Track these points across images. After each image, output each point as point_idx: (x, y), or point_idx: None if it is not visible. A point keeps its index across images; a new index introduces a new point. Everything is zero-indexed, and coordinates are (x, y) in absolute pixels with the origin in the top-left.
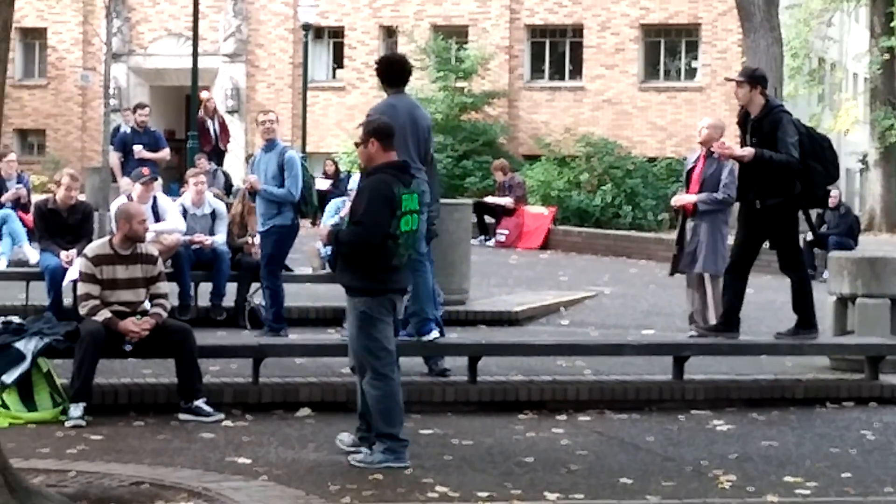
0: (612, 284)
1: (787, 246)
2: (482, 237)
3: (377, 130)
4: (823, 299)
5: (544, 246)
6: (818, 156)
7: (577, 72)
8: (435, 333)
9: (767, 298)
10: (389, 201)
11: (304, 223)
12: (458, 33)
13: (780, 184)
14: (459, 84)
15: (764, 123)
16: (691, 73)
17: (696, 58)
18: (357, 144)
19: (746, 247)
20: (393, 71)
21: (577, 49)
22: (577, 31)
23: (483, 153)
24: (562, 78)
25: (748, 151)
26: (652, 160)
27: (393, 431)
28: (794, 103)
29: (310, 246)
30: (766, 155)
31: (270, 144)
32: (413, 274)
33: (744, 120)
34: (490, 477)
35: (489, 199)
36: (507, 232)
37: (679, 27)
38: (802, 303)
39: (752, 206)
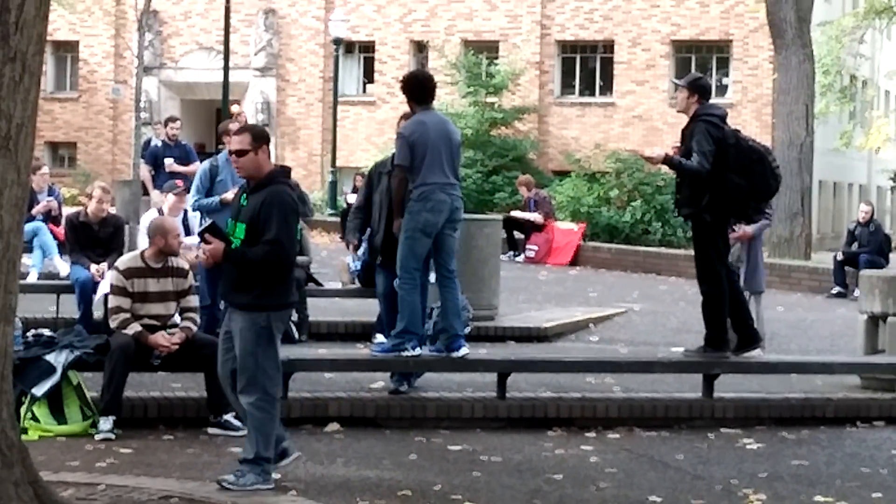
0: (642, 301)
1: (699, 256)
2: (511, 253)
3: (265, 136)
4: (854, 317)
5: (573, 262)
6: (744, 169)
7: (607, 88)
8: (465, 350)
9: (798, 317)
10: (296, 213)
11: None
12: (488, 48)
13: (692, 194)
14: (489, 99)
15: (688, 132)
16: (722, 89)
17: (727, 74)
18: (241, 153)
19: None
20: (421, 87)
21: (608, 65)
22: (608, 46)
23: (513, 168)
24: (592, 94)
25: (657, 153)
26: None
27: (269, 455)
28: (826, 120)
29: (339, 260)
30: (674, 160)
31: None
32: (442, 290)
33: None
34: (519, 493)
35: (518, 214)
36: (536, 248)
37: (710, 43)
38: (711, 319)
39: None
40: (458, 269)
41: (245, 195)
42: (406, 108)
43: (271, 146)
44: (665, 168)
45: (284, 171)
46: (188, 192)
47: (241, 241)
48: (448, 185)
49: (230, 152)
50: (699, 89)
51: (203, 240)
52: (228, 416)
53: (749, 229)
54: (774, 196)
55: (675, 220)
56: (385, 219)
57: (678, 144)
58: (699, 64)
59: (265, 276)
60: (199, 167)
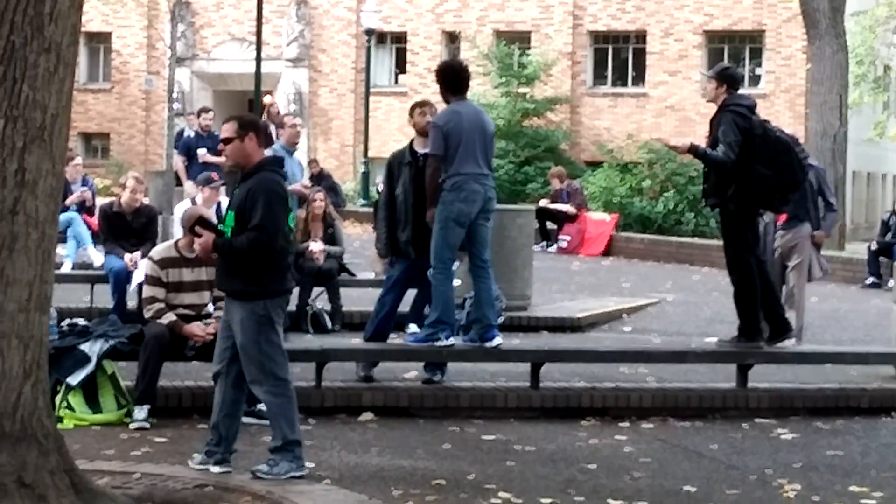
0: (675, 291)
1: (728, 246)
2: (544, 243)
3: (254, 124)
4: (888, 308)
5: (606, 252)
6: (770, 159)
7: (639, 78)
8: (498, 339)
9: (832, 307)
10: (284, 200)
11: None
12: (520, 39)
13: (718, 184)
14: (522, 90)
15: (715, 121)
16: (755, 79)
17: (759, 65)
18: (227, 141)
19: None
20: (457, 77)
21: (640, 55)
22: (641, 37)
23: (545, 159)
24: (624, 84)
25: (683, 142)
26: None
27: (297, 437)
28: (859, 110)
29: (372, 251)
30: (700, 150)
31: (293, 149)
32: (476, 280)
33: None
34: (553, 483)
35: (551, 205)
36: (569, 238)
37: (743, 34)
38: (744, 309)
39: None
40: (491, 259)
41: (237, 184)
42: (418, 98)
43: (302, 136)
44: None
45: (274, 160)
46: (224, 184)
47: (231, 230)
48: (481, 176)
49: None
50: (728, 79)
51: (193, 233)
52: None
53: (821, 232)
54: (801, 187)
55: (707, 211)
56: (412, 211)
57: (660, 138)
58: (732, 54)
59: (255, 264)
60: None
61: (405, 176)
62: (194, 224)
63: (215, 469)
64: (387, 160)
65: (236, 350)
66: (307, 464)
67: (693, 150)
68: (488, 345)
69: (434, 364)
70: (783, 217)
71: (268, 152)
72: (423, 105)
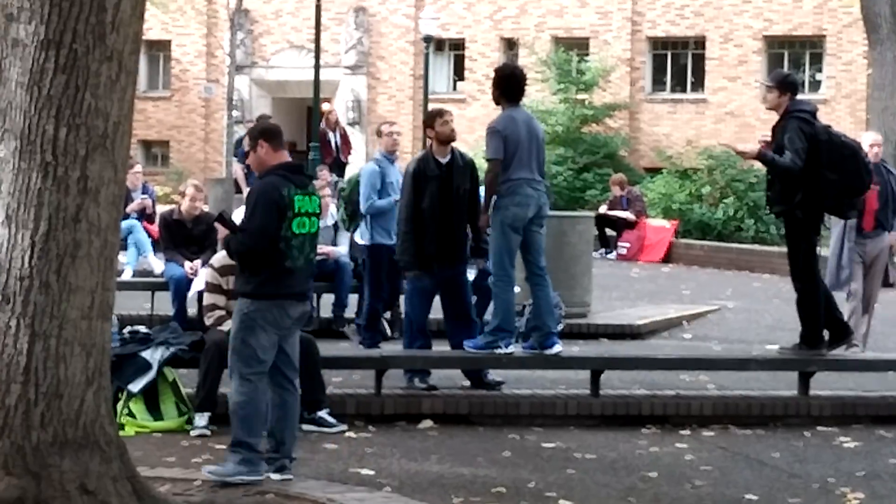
0: (735, 298)
1: (792, 253)
2: (603, 250)
3: (265, 132)
4: None
5: (666, 259)
6: (836, 164)
7: (699, 84)
8: (558, 347)
9: (894, 313)
10: (276, 204)
11: None
12: (579, 45)
13: (784, 191)
14: (580, 96)
15: (779, 129)
16: (815, 85)
17: (820, 70)
18: (247, 155)
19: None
20: (516, 84)
21: (700, 61)
22: (700, 42)
23: (604, 166)
24: (684, 90)
25: (750, 148)
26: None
27: (250, 441)
28: None
29: None
30: (768, 156)
31: (394, 157)
32: (534, 288)
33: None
34: (614, 491)
35: (610, 212)
36: (628, 245)
37: (803, 39)
38: (806, 316)
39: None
40: (549, 266)
41: None
42: (476, 105)
43: (360, 143)
44: (757, 164)
45: (284, 165)
46: None
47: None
48: (534, 181)
49: None
50: (789, 86)
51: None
52: (323, 413)
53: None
54: (866, 192)
55: (768, 217)
56: (438, 223)
57: (767, 137)
58: (792, 60)
59: (246, 265)
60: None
61: (432, 188)
62: (215, 220)
63: (276, 476)
64: (407, 170)
65: (273, 352)
66: (263, 472)
67: (761, 156)
68: (548, 352)
69: (415, 370)
70: (870, 224)
71: (371, 163)
72: (443, 114)
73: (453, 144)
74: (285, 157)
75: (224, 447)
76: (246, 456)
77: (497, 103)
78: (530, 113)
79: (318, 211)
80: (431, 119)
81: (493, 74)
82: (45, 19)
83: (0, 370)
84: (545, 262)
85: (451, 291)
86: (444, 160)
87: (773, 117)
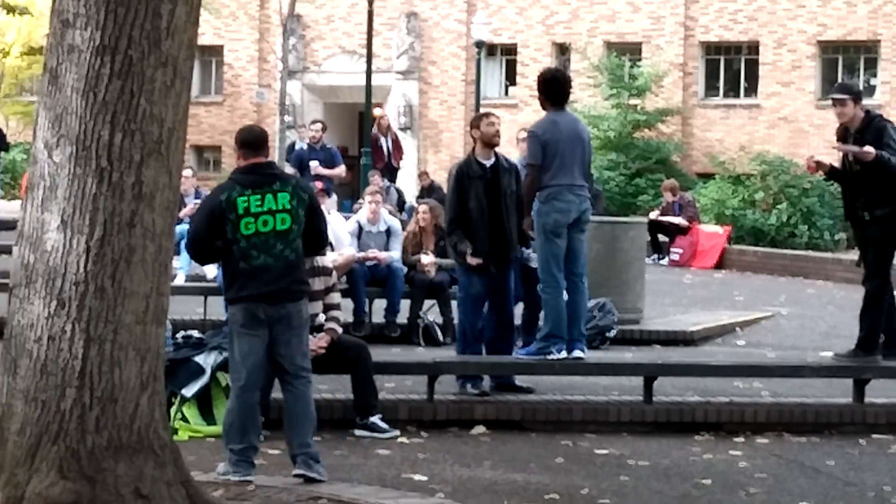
0: (789, 305)
1: (877, 255)
2: (656, 256)
3: (238, 140)
4: None
5: (719, 265)
6: None
7: (752, 89)
8: (579, 353)
9: None
10: (210, 210)
11: None
12: (631, 50)
13: (888, 193)
14: (632, 101)
15: (866, 134)
16: (870, 90)
17: (874, 75)
18: None
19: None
20: (561, 89)
21: (753, 66)
22: (753, 47)
23: (656, 171)
24: (737, 95)
25: (870, 150)
26: (829, 179)
27: (230, 446)
28: None
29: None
30: (884, 157)
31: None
32: (570, 293)
33: (843, 136)
34: (667, 498)
35: (663, 218)
36: (681, 251)
37: (858, 44)
38: (870, 319)
39: (860, 218)
40: (602, 272)
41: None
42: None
43: (413, 148)
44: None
45: (239, 168)
46: (327, 194)
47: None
48: (576, 187)
49: None
50: (860, 94)
51: None
52: (375, 419)
53: None
54: None
55: (822, 223)
56: (488, 224)
57: (837, 145)
58: (846, 65)
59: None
60: (342, 170)
61: (477, 189)
62: None
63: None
64: (450, 174)
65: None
66: (251, 473)
67: (879, 158)
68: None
69: (467, 376)
70: None
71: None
72: (489, 115)
73: (496, 149)
74: (250, 160)
75: (277, 452)
76: (232, 459)
77: (544, 108)
78: (577, 117)
79: (284, 207)
80: (478, 120)
81: (537, 78)
82: (100, 25)
83: (55, 375)
84: (584, 267)
85: (497, 294)
86: (487, 162)
87: (828, 123)
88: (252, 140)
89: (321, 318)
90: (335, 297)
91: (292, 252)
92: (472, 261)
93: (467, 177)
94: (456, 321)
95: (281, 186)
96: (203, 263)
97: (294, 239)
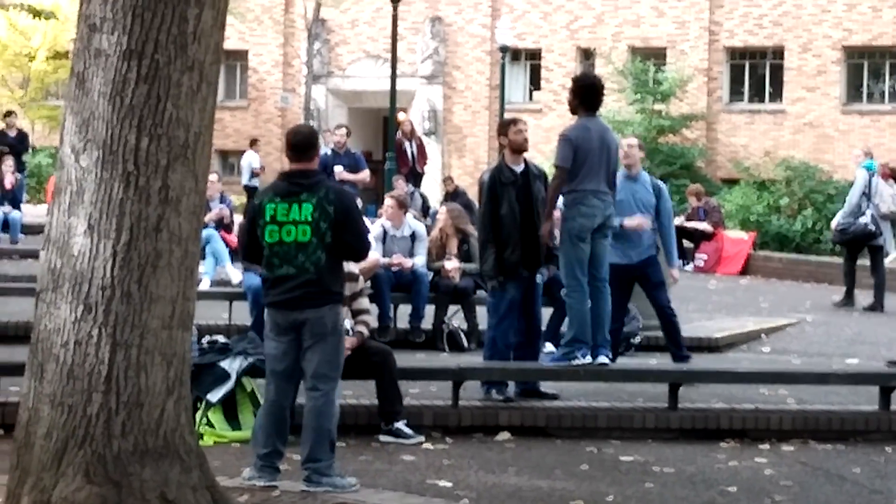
0: (814, 311)
1: None
2: (681, 262)
3: (288, 145)
4: None
5: (744, 271)
6: None
7: (777, 94)
8: (603, 359)
9: None
10: (252, 210)
11: None
12: (656, 55)
13: None
14: (657, 106)
15: None
16: (894, 95)
17: None
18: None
19: None
20: (595, 94)
21: (778, 71)
22: (778, 52)
23: (680, 176)
24: (762, 100)
25: None
26: None
27: (255, 450)
28: None
29: None
30: None
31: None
32: (592, 298)
33: None
34: None
35: (687, 223)
36: (705, 257)
37: (883, 49)
38: None
39: None
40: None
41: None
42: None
43: (437, 153)
44: (837, 175)
45: (281, 174)
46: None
47: None
48: (601, 192)
49: None
50: None
51: None
52: (400, 424)
53: None
54: None
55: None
56: (520, 229)
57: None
58: (871, 70)
59: None
60: (367, 174)
61: (509, 195)
62: None
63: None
64: (481, 181)
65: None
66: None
67: None
68: (596, 360)
69: (492, 382)
70: None
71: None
72: (517, 122)
73: (525, 155)
74: (294, 166)
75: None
76: (257, 463)
77: (574, 112)
78: (608, 125)
79: (306, 219)
80: (505, 127)
81: (570, 84)
82: (127, 30)
83: (82, 379)
84: (607, 272)
85: (525, 300)
86: (518, 168)
87: (853, 129)
88: (295, 144)
89: (348, 323)
90: (363, 303)
91: (312, 265)
92: (491, 284)
93: (500, 183)
94: (482, 327)
95: (307, 197)
96: (252, 262)
97: (314, 251)
